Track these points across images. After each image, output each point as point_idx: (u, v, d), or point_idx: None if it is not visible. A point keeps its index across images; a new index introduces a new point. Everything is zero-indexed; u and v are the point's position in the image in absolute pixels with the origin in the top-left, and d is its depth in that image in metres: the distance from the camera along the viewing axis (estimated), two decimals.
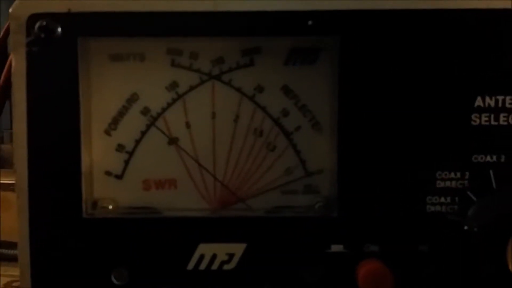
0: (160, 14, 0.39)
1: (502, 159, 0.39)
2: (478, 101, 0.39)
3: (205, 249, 0.40)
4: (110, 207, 0.42)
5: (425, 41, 0.39)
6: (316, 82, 0.41)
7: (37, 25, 0.39)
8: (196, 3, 0.39)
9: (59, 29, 0.39)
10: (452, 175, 0.39)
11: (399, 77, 0.39)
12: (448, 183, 0.39)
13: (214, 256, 0.40)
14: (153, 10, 0.39)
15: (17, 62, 0.39)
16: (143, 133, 0.42)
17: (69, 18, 0.39)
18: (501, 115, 0.39)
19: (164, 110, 0.42)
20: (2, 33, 0.43)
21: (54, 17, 0.39)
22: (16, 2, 0.40)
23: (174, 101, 0.42)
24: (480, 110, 0.39)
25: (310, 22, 0.39)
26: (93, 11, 0.39)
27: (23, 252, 0.40)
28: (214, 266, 0.41)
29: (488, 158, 0.39)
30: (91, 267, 0.41)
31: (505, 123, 0.39)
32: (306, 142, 0.42)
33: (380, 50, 0.39)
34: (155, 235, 0.41)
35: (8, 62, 0.41)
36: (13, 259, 0.45)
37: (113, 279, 0.41)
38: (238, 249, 0.40)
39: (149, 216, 0.42)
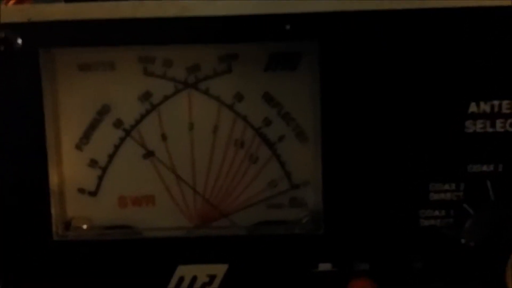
0: (126, 21, 0.36)
1: (500, 169, 0.36)
2: (472, 107, 0.36)
3: (185, 271, 0.38)
4: (85, 226, 0.40)
5: (413, 43, 0.36)
6: (299, 88, 0.39)
7: None
8: (163, 8, 0.36)
9: (19, 40, 0.36)
10: (447, 186, 0.37)
11: (386, 82, 0.36)
12: (442, 195, 0.37)
13: (194, 278, 0.38)
14: (118, 17, 0.36)
15: None
16: (117, 147, 0.40)
17: (29, 28, 0.36)
18: (498, 121, 0.36)
19: (138, 122, 0.39)
20: None
21: (13, 28, 0.36)
22: None
23: (148, 112, 0.39)
24: (475, 116, 0.36)
25: (287, 26, 0.36)
26: (55, 19, 0.36)
27: None
28: None
29: (485, 168, 0.37)
30: None
31: (502, 129, 0.36)
32: (291, 153, 0.39)
33: (363, 54, 0.36)
34: (132, 257, 0.38)
35: None
36: None
37: None
38: (220, 270, 0.38)
39: (126, 237, 0.39)
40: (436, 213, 0.37)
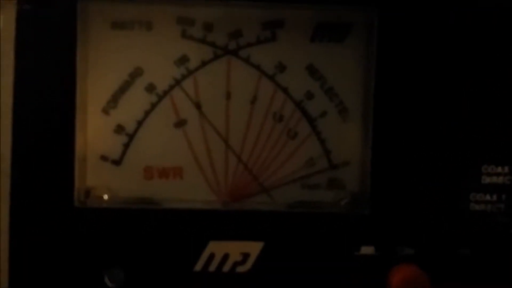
0: None
1: None
2: None
3: (216, 248, 0.35)
4: (106, 197, 0.37)
5: (480, 21, 0.34)
6: (346, 62, 0.37)
7: None
8: None
9: None
10: (500, 169, 0.35)
11: (445, 58, 0.35)
12: (494, 179, 0.35)
13: (226, 256, 0.35)
14: None
15: (5, 23, 0.34)
16: (147, 113, 0.37)
17: None
18: None
19: (171, 87, 0.37)
20: None
21: None
22: None
23: (183, 77, 0.37)
24: None
25: None
26: None
27: (2, 244, 0.34)
28: (226, 268, 0.35)
29: None
30: (80, 265, 0.35)
31: None
32: (332, 130, 0.37)
33: (426, 28, 0.34)
34: (157, 230, 0.35)
35: None
36: None
37: (106, 280, 0.35)
38: (254, 248, 0.35)
39: (151, 207, 0.36)
40: (488, 197, 0.35)
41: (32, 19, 0.34)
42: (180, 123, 0.37)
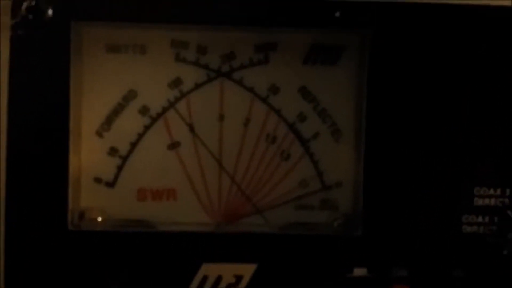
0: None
1: None
2: None
3: (209, 270, 0.35)
4: (99, 219, 0.37)
5: (471, 40, 0.35)
6: (338, 84, 0.37)
7: (24, 5, 0.34)
8: None
9: (50, 11, 0.34)
10: (492, 191, 0.35)
11: (437, 80, 0.35)
12: (487, 201, 0.35)
13: (219, 278, 0.35)
14: None
15: None
16: (140, 136, 0.37)
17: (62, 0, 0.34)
18: None
19: (165, 110, 0.37)
20: None
21: None
22: None
23: (177, 100, 0.37)
24: None
25: (337, 14, 0.34)
26: None
27: None
28: None
29: None
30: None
31: None
32: (324, 151, 0.37)
33: (418, 50, 0.35)
34: (150, 252, 0.35)
35: None
36: None
37: None
38: (247, 270, 0.35)
39: (144, 230, 0.36)
40: (480, 219, 0.35)
41: (26, 44, 0.34)
42: (174, 145, 0.37)
